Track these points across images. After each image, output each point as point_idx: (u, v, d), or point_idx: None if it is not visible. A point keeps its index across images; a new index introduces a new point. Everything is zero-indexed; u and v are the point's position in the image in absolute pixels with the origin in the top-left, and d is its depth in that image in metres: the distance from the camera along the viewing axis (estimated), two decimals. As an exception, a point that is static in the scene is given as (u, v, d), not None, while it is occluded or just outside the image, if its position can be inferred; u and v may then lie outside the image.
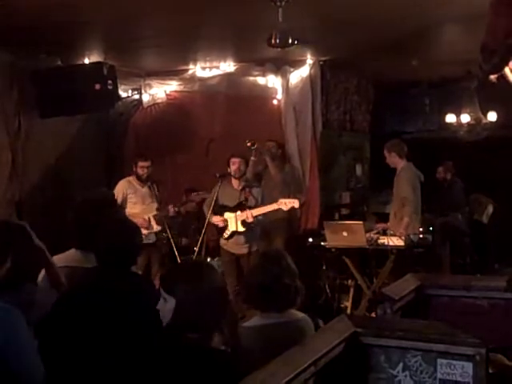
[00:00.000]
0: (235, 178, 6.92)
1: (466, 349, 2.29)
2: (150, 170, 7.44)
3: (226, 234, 6.90)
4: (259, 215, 6.83)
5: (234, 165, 6.88)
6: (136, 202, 7.37)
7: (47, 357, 2.67)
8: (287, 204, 6.79)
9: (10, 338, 2.47)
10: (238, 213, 6.82)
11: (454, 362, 2.31)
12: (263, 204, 6.93)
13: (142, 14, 6.21)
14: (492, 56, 2.98)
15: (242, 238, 6.88)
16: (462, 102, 9.74)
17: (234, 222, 6.84)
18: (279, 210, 7.57)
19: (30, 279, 3.00)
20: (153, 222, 7.35)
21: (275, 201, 6.93)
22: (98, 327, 2.91)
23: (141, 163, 7.41)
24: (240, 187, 6.94)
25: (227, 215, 6.87)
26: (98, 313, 2.95)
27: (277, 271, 3.26)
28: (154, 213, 7.37)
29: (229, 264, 6.91)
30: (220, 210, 6.93)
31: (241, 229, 6.84)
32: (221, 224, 6.91)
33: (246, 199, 6.87)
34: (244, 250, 6.86)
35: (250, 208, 6.82)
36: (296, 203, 6.82)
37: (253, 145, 7.50)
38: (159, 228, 7.42)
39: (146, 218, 7.27)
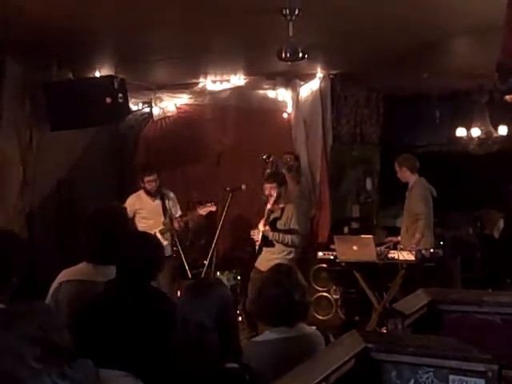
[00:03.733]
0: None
1: (478, 365, 2.26)
2: (158, 183, 7.45)
3: (256, 246, 6.91)
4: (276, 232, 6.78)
5: (267, 190, 6.86)
6: (145, 216, 7.38)
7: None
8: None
9: None
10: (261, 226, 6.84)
11: (466, 378, 2.28)
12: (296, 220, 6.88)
13: (152, 28, 6.24)
14: (508, 76, 2.96)
15: (267, 255, 6.82)
16: (473, 116, 9.73)
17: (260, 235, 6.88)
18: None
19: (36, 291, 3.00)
20: (159, 237, 7.34)
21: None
22: (116, 340, 2.91)
23: (147, 178, 7.41)
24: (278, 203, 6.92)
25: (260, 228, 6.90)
26: (116, 327, 2.94)
27: (287, 286, 3.25)
28: (161, 227, 7.35)
29: (254, 281, 6.82)
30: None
31: (260, 242, 6.83)
32: (254, 237, 6.91)
33: (271, 212, 6.84)
34: (268, 267, 6.67)
35: (272, 222, 6.81)
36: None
37: (268, 158, 7.54)
38: (166, 242, 7.41)
39: (152, 232, 7.26)
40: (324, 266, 7.87)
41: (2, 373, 1.98)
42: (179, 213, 7.58)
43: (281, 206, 6.84)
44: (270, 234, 6.74)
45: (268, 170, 7.61)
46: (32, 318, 2.06)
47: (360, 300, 7.53)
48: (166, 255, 7.16)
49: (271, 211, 6.82)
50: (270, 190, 6.83)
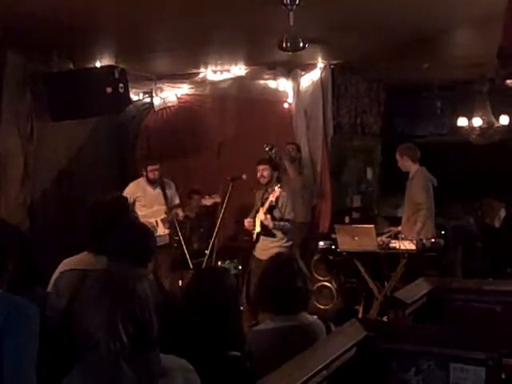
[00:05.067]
0: (262, 184, 6.91)
1: (478, 353, 2.27)
2: (160, 172, 7.49)
3: (254, 235, 6.89)
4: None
5: (259, 172, 6.86)
6: (144, 204, 7.40)
7: (58, 361, 2.67)
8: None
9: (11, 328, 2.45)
10: (259, 213, 6.81)
11: (467, 366, 2.29)
12: (290, 205, 6.86)
13: (153, 18, 6.22)
14: (509, 61, 2.97)
15: (265, 243, 6.83)
16: (474, 106, 9.70)
17: (257, 223, 6.84)
18: (300, 214, 7.55)
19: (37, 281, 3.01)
20: (160, 226, 7.35)
21: (296, 203, 6.92)
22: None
23: (150, 167, 7.45)
24: (266, 189, 6.90)
25: (257, 217, 6.87)
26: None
27: (288, 275, 3.26)
28: (162, 216, 7.38)
29: (255, 271, 6.82)
30: (255, 213, 6.95)
31: (258, 229, 6.81)
32: (248, 226, 6.89)
33: (267, 199, 6.83)
34: (268, 256, 6.64)
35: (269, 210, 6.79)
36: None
37: (271, 149, 7.52)
38: (166, 232, 7.43)
39: (153, 221, 7.27)
40: (325, 255, 7.87)
41: (82, 320, 1.98)
42: (177, 201, 7.62)
43: (276, 194, 6.83)
44: (271, 224, 6.74)
45: None
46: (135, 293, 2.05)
47: (361, 289, 7.54)
48: (160, 243, 7.21)
49: (267, 199, 6.82)
50: (263, 172, 6.83)
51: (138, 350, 1.97)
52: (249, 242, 7.12)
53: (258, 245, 6.88)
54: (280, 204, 6.80)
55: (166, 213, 7.40)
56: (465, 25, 6.74)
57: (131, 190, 7.34)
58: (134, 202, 7.30)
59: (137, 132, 9.87)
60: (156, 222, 7.32)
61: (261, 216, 6.77)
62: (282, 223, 6.78)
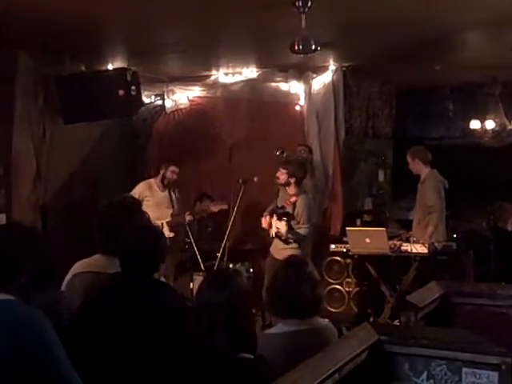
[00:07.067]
0: (282, 187, 6.86)
1: (491, 358, 2.25)
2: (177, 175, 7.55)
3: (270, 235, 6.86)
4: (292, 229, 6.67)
5: (282, 175, 6.79)
6: (151, 205, 7.38)
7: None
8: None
9: (35, 339, 2.46)
10: (274, 218, 6.76)
11: (480, 371, 2.27)
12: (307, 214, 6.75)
13: (165, 20, 6.24)
14: None
15: (280, 243, 6.77)
16: (487, 108, 9.66)
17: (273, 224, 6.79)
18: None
19: (50, 283, 3.02)
20: (166, 228, 7.36)
21: None
22: (118, 334, 2.92)
23: (172, 168, 7.51)
24: (290, 193, 6.84)
25: (274, 218, 6.81)
26: (117, 319, 2.96)
27: (297, 279, 3.25)
28: (168, 219, 7.38)
29: (268, 267, 6.76)
30: (272, 212, 6.89)
31: (274, 231, 6.78)
32: (264, 225, 6.83)
33: (283, 207, 6.79)
34: (282, 256, 6.60)
35: (284, 215, 6.71)
36: None
37: (282, 153, 7.50)
38: (171, 235, 7.43)
39: (159, 223, 7.26)
40: (336, 258, 7.86)
41: None
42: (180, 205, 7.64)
43: (292, 199, 6.77)
44: (284, 234, 6.63)
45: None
46: None
47: (373, 292, 7.51)
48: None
49: (283, 207, 6.75)
50: (279, 175, 6.78)
51: None
52: (263, 242, 7.07)
53: (274, 243, 6.83)
54: (296, 212, 6.70)
55: (172, 215, 7.41)
56: (476, 27, 6.71)
57: (140, 190, 7.37)
58: (141, 202, 7.30)
59: (148, 134, 9.89)
60: (162, 224, 7.32)
61: (274, 221, 6.72)
62: (295, 234, 6.64)
